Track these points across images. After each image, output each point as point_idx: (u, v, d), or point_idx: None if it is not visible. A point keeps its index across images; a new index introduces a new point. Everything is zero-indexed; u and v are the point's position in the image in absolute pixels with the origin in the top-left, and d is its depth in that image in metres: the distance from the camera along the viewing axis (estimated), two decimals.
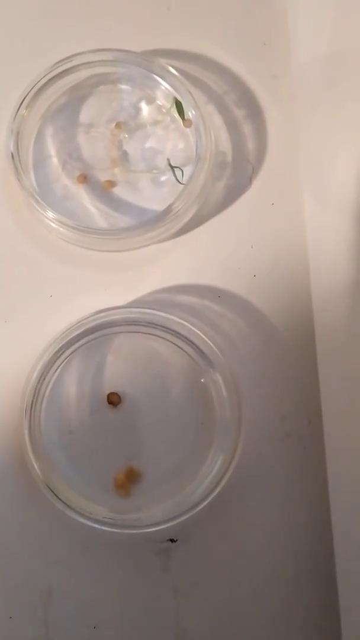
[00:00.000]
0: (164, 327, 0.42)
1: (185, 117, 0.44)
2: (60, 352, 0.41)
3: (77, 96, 0.46)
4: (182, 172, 0.44)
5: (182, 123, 0.44)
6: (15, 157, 0.42)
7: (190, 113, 0.44)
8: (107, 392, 0.42)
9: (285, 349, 0.43)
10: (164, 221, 0.43)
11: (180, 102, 0.44)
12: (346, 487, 0.40)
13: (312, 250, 0.44)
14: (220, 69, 0.47)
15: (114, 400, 0.42)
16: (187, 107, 0.44)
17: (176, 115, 0.45)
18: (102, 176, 0.45)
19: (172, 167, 0.44)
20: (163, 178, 0.45)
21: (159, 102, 0.46)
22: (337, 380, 0.41)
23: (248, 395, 0.43)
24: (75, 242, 0.43)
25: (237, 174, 0.46)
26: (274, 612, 0.41)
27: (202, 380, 0.42)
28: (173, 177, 0.44)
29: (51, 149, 0.45)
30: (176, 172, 0.44)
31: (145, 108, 0.46)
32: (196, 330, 0.41)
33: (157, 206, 0.44)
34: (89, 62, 0.45)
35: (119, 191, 0.45)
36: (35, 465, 0.39)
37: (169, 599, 0.40)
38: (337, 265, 0.41)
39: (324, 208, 0.42)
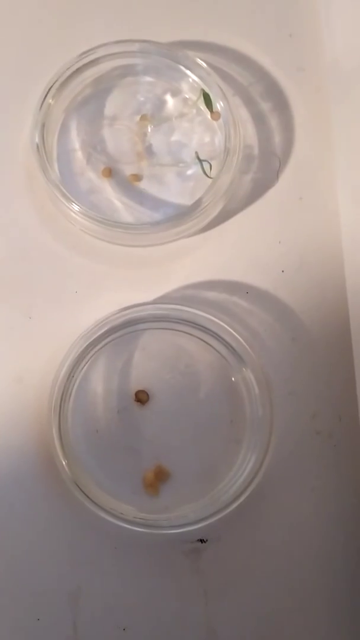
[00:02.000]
0: (192, 323, 0.41)
1: (214, 109, 0.43)
2: (88, 350, 0.40)
3: (102, 88, 0.45)
4: (211, 165, 0.43)
5: (209, 115, 0.43)
6: (40, 149, 0.41)
7: (218, 105, 0.43)
8: (135, 389, 0.41)
9: (314, 345, 0.43)
10: (192, 216, 0.42)
11: (208, 94, 0.43)
12: None
13: (346, 245, 0.43)
14: (246, 61, 0.46)
15: (141, 398, 0.41)
16: (215, 99, 0.43)
17: (202, 107, 0.44)
18: (128, 170, 0.44)
19: (200, 161, 0.43)
20: (189, 172, 0.44)
21: (184, 94, 0.45)
22: None
23: (277, 393, 0.42)
24: (100, 236, 0.42)
25: (264, 167, 0.45)
26: (306, 614, 0.40)
27: (232, 378, 0.41)
28: (199, 171, 0.44)
29: (76, 141, 0.44)
30: (204, 166, 0.43)
31: (170, 100, 0.45)
32: (226, 327, 0.41)
33: (184, 200, 0.43)
34: (113, 54, 0.44)
35: (144, 185, 0.44)
36: (64, 464, 0.38)
37: (199, 600, 0.40)
38: None
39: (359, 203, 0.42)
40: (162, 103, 0.45)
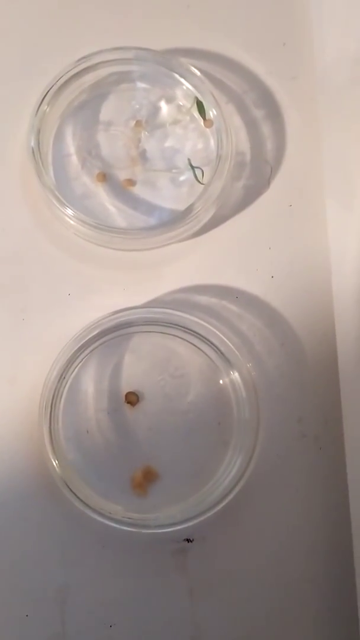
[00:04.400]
0: (182, 327, 0.42)
1: (207, 117, 0.44)
2: (79, 352, 0.41)
3: (97, 94, 0.45)
4: (203, 172, 0.44)
5: (202, 123, 0.44)
6: (36, 153, 0.42)
7: (211, 113, 0.44)
8: (125, 391, 0.42)
9: (302, 350, 0.44)
10: (184, 221, 0.43)
11: (201, 102, 0.44)
12: None
13: (334, 252, 0.44)
14: (240, 69, 0.47)
15: (131, 399, 0.42)
16: (209, 107, 0.44)
17: (196, 114, 0.45)
18: (122, 175, 0.45)
19: (192, 167, 0.44)
20: (182, 178, 0.45)
21: (179, 101, 0.46)
22: (359, 381, 0.41)
23: (264, 396, 0.43)
24: (94, 240, 0.42)
25: (255, 174, 0.46)
26: (291, 613, 0.41)
27: (221, 381, 0.42)
28: (192, 177, 0.44)
29: (71, 146, 0.45)
30: (197, 172, 0.44)
31: (164, 107, 0.46)
32: (215, 331, 0.41)
33: (176, 206, 0.44)
34: (109, 60, 0.44)
35: (138, 190, 0.45)
36: (54, 463, 0.39)
37: (185, 599, 0.41)
38: None
39: (347, 211, 0.42)
40: (157, 110, 0.46)
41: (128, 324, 0.42)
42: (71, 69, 0.44)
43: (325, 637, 0.41)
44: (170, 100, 0.46)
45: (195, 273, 0.44)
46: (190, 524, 0.39)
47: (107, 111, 0.45)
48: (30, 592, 0.40)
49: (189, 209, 0.43)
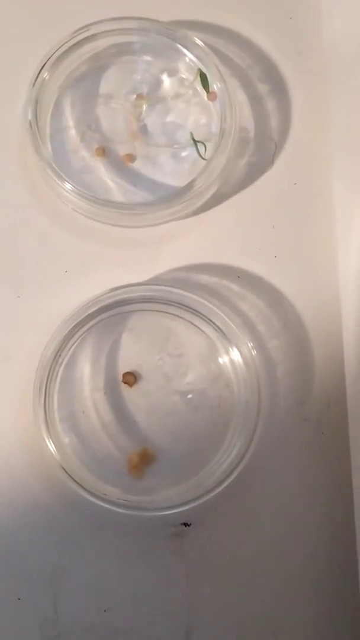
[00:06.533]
0: (182, 305, 0.41)
1: (210, 89, 0.43)
2: (75, 330, 0.40)
3: (98, 66, 0.44)
4: (205, 147, 0.43)
5: (206, 96, 0.43)
6: (33, 126, 0.41)
7: (215, 86, 0.42)
8: (122, 371, 0.41)
9: (305, 332, 0.42)
10: (185, 198, 0.41)
11: (205, 74, 0.43)
12: None
13: (341, 233, 0.42)
14: (244, 43, 0.46)
15: (129, 380, 0.41)
16: (212, 79, 0.43)
17: (199, 88, 0.44)
18: (121, 149, 0.43)
19: (195, 142, 0.43)
20: (184, 153, 0.44)
21: (181, 74, 0.44)
22: None
23: (265, 378, 0.42)
24: (92, 215, 0.41)
25: (259, 151, 0.44)
26: (289, 599, 0.40)
27: (221, 362, 0.41)
28: (194, 153, 0.43)
29: (69, 119, 0.43)
30: (199, 147, 0.43)
31: (167, 80, 0.44)
32: (216, 310, 0.40)
33: (177, 182, 0.43)
34: (110, 30, 0.43)
35: (138, 165, 0.43)
36: (48, 444, 0.38)
37: (181, 584, 0.40)
38: None
39: (356, 190, 0.41)
40: (159, 83, 0.44)
41: (126, 302, 0.41)
42: (70, 39, 0.42)
43: (325, 623, 0.40)
44: (172, 73, 0.44)
45: (196, 251, 0.43)
46: (187, 507, 0.38)
47: (107, 84, 0.44)
48: (24, 574, 0.39)
49: (190, 185, 0.42)
